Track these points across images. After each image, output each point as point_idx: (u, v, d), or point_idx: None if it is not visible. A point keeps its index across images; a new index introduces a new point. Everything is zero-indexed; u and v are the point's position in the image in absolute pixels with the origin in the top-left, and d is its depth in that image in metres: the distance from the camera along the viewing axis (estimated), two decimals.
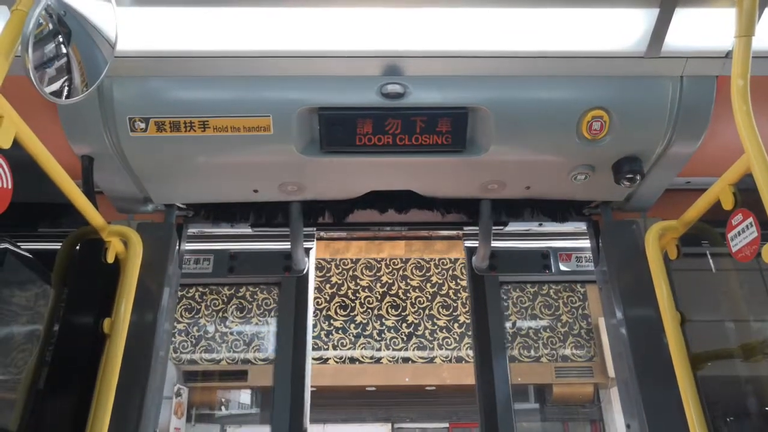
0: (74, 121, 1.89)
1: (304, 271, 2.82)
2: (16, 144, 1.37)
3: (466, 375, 6.37)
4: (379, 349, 6.67)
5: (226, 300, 4.36)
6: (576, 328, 4.91)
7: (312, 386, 2.72)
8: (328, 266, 6.79)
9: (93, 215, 1.84)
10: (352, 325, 6.71)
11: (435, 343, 6.70)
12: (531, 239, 2.96)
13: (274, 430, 2.59)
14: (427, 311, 6.75)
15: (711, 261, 2.16)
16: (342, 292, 6.78)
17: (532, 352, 4.60)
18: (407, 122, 1.89)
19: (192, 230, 2.71)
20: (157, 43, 1.76)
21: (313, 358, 4.21)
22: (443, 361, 6.69)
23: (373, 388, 7.48)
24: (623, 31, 1.77)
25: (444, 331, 6.70)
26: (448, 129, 1.91)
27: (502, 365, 2.71)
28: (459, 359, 6.64)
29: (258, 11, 1.69)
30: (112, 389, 1.76)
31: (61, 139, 1.90)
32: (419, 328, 6.72)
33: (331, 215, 2.64)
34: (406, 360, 6.68)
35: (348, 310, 6.75)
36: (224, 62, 1.81)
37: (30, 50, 1.20)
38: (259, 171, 2.11)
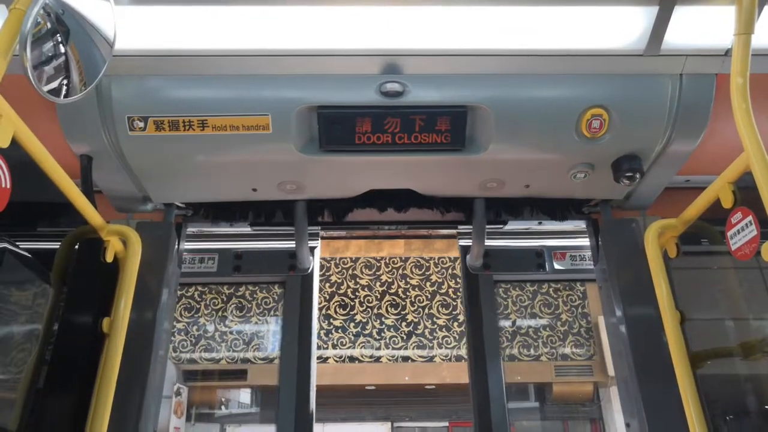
0: (73, 121, 1.89)
1: (309, 270, 2.83)
2: (15, 143, 1.37)
3: (465, 374, 6.35)
4: (378, 348, 6.68)
5: (225, 299, 4.36)
6: (576, 326, 4.91)
7: None
8: (328, 265, 6.79)
9: (92, 214, 1.84)
10: (352, 324, 6.71)
11: (434, 342, 6.69)
12: (525, 238, 2.96)
13: (280, 429, 2.59)
14: (426, 310, 6.75)
15: (710, 259, 2.16)
16: (342, 291, 6.78)
17: (532, 351, 4.60)
18: (406, 121, 1.89)
19: (191, 229, 2.71)
20: (155, 41, 1.76)
21: None
22: (443, 360, 6.69)
23: (373, 387, 7.49)
24: (622, 29, 1.76)
25: (443, 330, 6.70)
26: (447, 127, 1.91)
27: (497, 364, 2.71)
28: (458, 358, 6.64)
29: (256, 9, 1.68)
30: (111, 388, 1.76)
31: (59, 139, 1.90)
32: (419, 327, 6.72)
33: (330, 214, 2.64)
34: (405, 359, 6.68)
35: (347, 309, 6.75)
36: (223, 61, 1.81)
37: (28, 49, 1.20)
38: (258, 170, 2.11)
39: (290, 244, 2.74)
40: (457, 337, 6.69)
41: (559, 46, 1.80)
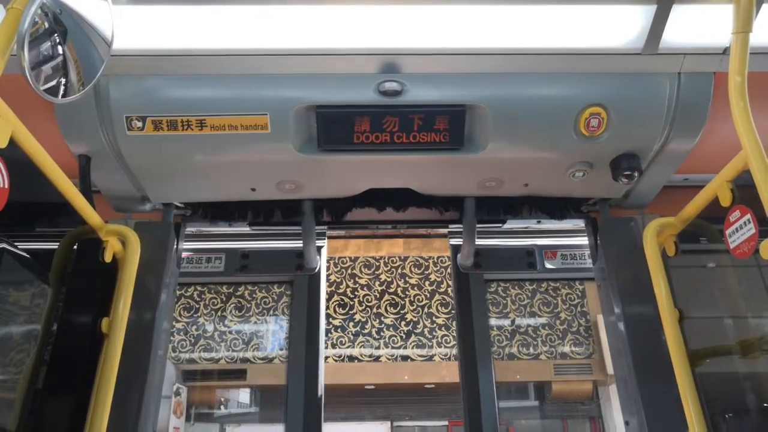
0: (71, 120, 1.89)
1: (316, 270, 2.83)
2: (13, 143, 1.36)
3: None
4: (378, 348, 6.67)
5: (225, 299, 4.36)
6: (575, 325, 4.91)
7: None
8: (327, 264, 6.78)
9: (90, 214, 1.84)
10: (351, 324, 6.71)
11: (434, 341, 6.69)
12: (516, 237, 2.96)
13: (289, 429, 2.58)
14: (426, 309, 6.75)
15: (709, 257, 2.17)
16: (341, 291, 6.78)
17: (531, 350, 4.60)
18: (405, 120, 1.89)
19: (191, 229, 2.71)
20: (153, 41, 1.76)
21: None
22: (442, 359, 6.69)
23: (372, 387, 7.48)
24: (620, 28, 1.76)
25: (443, 329, 6.70)
26: (445, 126, 1.91)
27: (487, 363, 2.71)
28: (458, 357, 6.63)
29: (254, 9, 1.68)
30: (110, 389, 1.76)
31: (57, 139, 1.89)
32: (418, 326, 6.72)
33: (329, 213, 2.64)
34: (405, 358, 6.68)
35: (347, 309, 6.75)
36: (221, 60, 1.81)
37: (26, 49, 1.19)
38: (256, 169, 2.10)
39: (295, 244, 2.74)
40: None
41: (558, 45, 1.80)
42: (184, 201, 2.46)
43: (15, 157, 1.38)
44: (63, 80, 1.35)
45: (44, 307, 1.79)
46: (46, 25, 1.29)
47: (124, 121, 1.86)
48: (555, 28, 1.76)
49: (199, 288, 4.27)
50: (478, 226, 2.61)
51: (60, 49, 1.33)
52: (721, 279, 2.13)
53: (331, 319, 6.69)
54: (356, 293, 6.80)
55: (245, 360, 5.02)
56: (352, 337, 6.69)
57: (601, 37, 1.79)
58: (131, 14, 1.67)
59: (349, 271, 6.85)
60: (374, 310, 6.76)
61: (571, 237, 2.94)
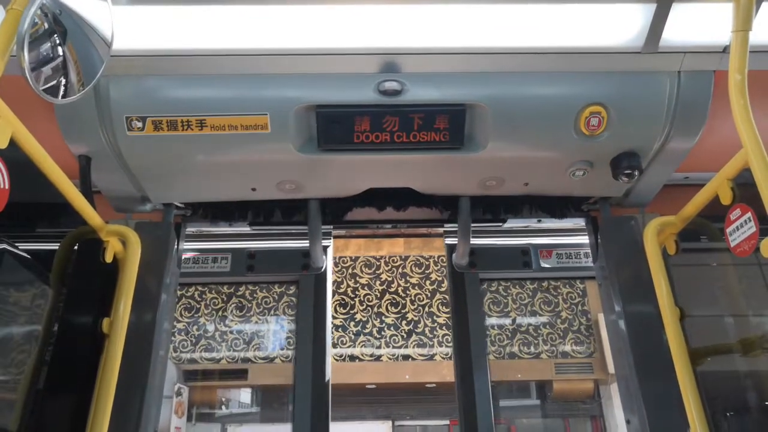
0: (71, 121, 1.89)
1: (323, 269, 2.83)
2: (13, 144, 1.36)
3: None
4: (378, 347, 6.67)
5: (226, 299, 4.36)
6: (576, 324, 4.91)
7: None
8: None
9: (91, 215, 1.84)
10: (352, 323, 6.71)
11: (435, 340, 6.69)
12: (512, 236, 2.96)
13: (296, 428, 2.58)
14: (426, 308, 6.74)
15: (710, 256, 2.16)
16: (341, 290, 6.77)
17: (532, 349, 4.60)
18: (405, 119, 1.89)
19: (192, 229, 2.71)
20: (153, 41, 1.76)
21: None
22: (443, 358, 6.68)
23: (373, 386, 7.48)
24: (620, 27, 1.76)
25: (444, 328, 6.70)
26: (446, 126, 1.91)
27: (482, 362, 2.70)
28: (453, 356, 6.63)
29: (254, 9, 1.68)
30: (111, 389, 1.76)
31: (58, 139, 1.89)
32: (419, 326, 6.72)
33: (330, 213, 2.63)
34: (406, 357, 6.68)
35: (347, 308, 6.75)
36: (221, 60, 1.81)
37: (26, 49, 1.19)
38: (256, 169, 2.10)
39: (300, 244, 2.74)
40: None
41: (558, 44, 1.80)
42: (184, 201, 2.46)
43: (15, 157, 1.38)
44: (63, 81, 1.35)
45: (45, 307, 1.79)
46: (46, 25, 1.29)
47: (124, 121, 1.86)
48: (555, 27, 1.76)
49: (200, 288, 4.27)
50: (476, 225, 2.61)
51: (60, 49, 1.33)
52: (722, 277, 2.13)
53: (332, 319, 6.69)
54: (357, 293, 6.80)
55: (246, 360, 5.02)
56: (353, 336, 6.69)
57: (601, 35, 1.79)
58: (131, 14, 1.67)
59: (350, 270, 6.84)
60: (375, 309, 6.76)
61: (566, 236, 2.93)
